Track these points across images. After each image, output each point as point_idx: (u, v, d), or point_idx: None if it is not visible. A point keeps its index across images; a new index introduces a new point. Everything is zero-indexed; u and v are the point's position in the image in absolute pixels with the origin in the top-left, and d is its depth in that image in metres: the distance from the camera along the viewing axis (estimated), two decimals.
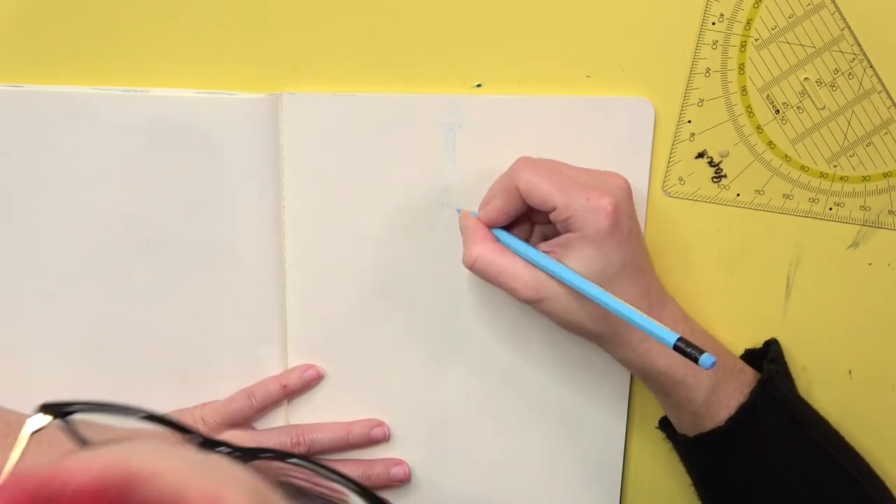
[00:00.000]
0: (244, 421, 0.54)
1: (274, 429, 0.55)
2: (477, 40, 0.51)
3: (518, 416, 0.56)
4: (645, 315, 0.44)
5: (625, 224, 0.46)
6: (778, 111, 0.51)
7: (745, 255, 0.53)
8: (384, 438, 0.55)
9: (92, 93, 0.50)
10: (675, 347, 0.42)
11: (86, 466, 0.26)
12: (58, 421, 0.35)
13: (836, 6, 0.49)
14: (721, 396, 0.49)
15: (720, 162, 0.52)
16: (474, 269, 0.48)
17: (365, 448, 0.56)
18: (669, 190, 0.53)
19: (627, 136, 0.51)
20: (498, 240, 0.49)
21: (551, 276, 0.46)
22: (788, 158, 0.52)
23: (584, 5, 0.50)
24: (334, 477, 0.35)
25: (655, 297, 0.48)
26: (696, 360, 0.41)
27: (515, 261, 0.47)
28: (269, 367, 0.55)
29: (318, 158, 0.52)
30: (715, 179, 0.52)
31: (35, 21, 0.50)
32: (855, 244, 0.53)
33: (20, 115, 0.50)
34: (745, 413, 0.49)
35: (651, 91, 0.51)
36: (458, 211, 0.52)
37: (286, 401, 0.55)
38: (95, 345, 0.54)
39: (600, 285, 0.45)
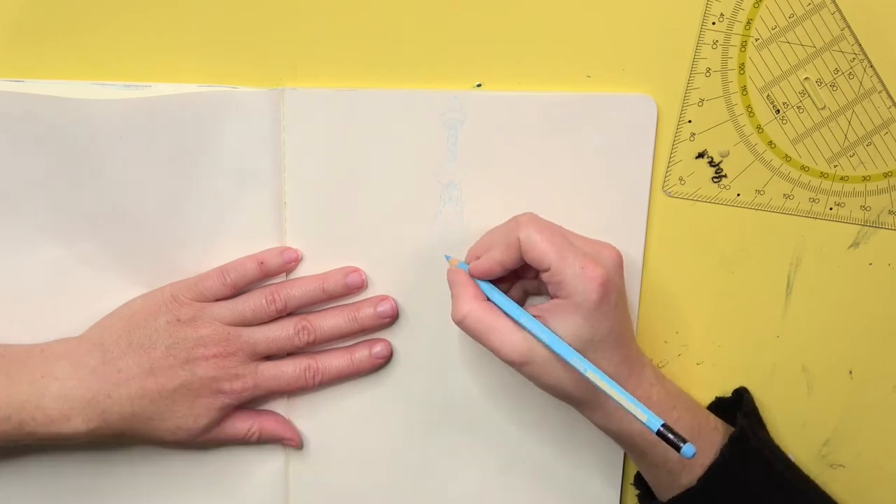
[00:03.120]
0: (215, 298, 0.52)
1: (251, 292, 0.53)
2: (477, 40, 0.51)
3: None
4: (631, 396, 0.45)
5: (613, 296, 0.47)
6: (778, 111, 0.51)
7: (745, 255, 0.53)
8: (362, 284, 0.53)
9: (93, 87, 0.51)
10: (659, 433, 0.44)
11: None
12: None
13: (836, 6, 0.49)
14: (696, 455, 0.49)
15: (720, 162, 0.52)
16: (463, 326, 0.49)
17: (343, 297, 0.54)
18: (670, 190, 0.53)
19: (630, 133, 0.51)
20: (487, 296, 0.49)
21: (537, 340, 0.47)
22: (789, 158, 0.52)
23: (585, 5, 0.50)
24: None
25: (635, 361, 0.49)
26: (678, 449, 0.43)
27: (504, 321, 0.48)
28: None
29: (319, 153, 0.52)
30: (715, 179, 0.52)
31: (36, 15, 0.50)
32: (855, 244, 0.53)
33: (21, 109, 0.50)
34: (717, 470, 0.49)
35: (651, 91, 0.51)
36: (447, 258, 0.52)
37: (286, 396, 0.55)
38: None
39: (584, 352, 0.47)
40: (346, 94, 0.51)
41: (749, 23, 0.50)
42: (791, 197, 0.52)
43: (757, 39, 0.50)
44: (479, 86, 0.51)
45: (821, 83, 0.51)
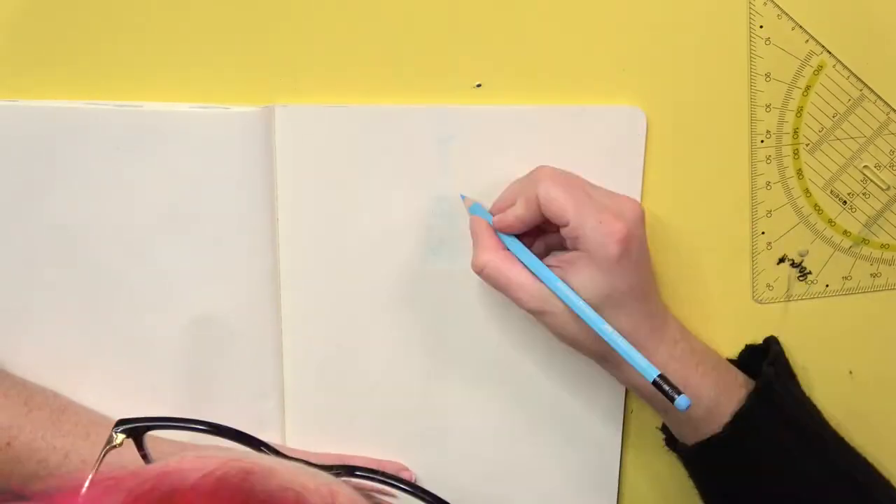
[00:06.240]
0: None
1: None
2: (477, 42, 0.50)
3: (515, 425, 0.56)
4: (631, 347, 0.45)
5: (634, 251, 0.46)
6: (845, 202, 0.53)
7: None
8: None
9: (85, 107, 0.50)
10: (654, 383, 0.44)
11: (200, 464, 0.27)
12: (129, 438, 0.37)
13: (875, 94, 0.50)
14: (721, 408, 0.49)
15: (802, 262, 0.54)
16: (482, 275, 0.48)
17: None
18: (760, 298, 0.54)
19: (619, 143, 0.51)
20: (507, 246, 0.49)
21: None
22: (867, 241, 0.53)
23: None
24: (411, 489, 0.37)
25: (658, 318, 0.49)
26: (672, 401, 0.43)
27: (522, 272, 0.47)
28: (266, 372, 0.55)
29: (311, 171, 0.52)
30: (801, 278, 0.54)
31: (28, 36, 0.50)
32: None
33: (14, 129, 0.51)
34: (740, 421, 0.48)
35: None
36: (462, 198, 0.52)
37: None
38: (90, 356, 0.55)
39: (603, 307, 0.46)
40: (336, 109, 0.51)
41: (796, 132, 0.51)
42: (878, 275, 0.54)
43: (807, 144, 0.51)
44: (479, 86, 0.51)
45: (879, 167, 0.52)
